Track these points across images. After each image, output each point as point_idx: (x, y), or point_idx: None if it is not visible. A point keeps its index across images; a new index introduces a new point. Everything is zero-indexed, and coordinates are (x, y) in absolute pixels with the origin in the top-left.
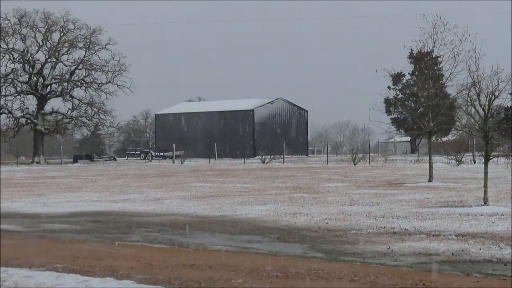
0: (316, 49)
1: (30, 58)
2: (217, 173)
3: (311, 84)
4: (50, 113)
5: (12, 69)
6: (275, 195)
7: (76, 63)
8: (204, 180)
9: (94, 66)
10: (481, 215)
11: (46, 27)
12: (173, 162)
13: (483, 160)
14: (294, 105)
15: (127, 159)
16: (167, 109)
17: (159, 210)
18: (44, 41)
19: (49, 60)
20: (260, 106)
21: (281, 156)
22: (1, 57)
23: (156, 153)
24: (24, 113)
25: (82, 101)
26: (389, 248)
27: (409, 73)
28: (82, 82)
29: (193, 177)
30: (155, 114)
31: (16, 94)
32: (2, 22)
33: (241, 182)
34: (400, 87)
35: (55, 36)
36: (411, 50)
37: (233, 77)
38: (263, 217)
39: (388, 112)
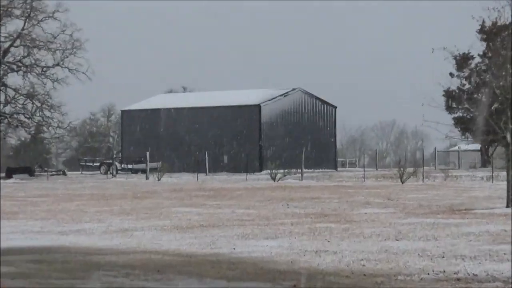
0: (348, 27)
1: None
2: (208, 194)
3: (341, 72)
4: None
5: None
6: (290, 226)
7: (11, 38)
8: (190, 203)
9: (37, 42)
10: None
11: None
12: (147, 177)
13: None
14: (318, 98)
15: (81, 173)
16: (139, 104)
17: (126, 245)
18: None
19: None
20: (270, 100)
21: (299, 171)
22: None
23: (122, 165)
24: None
25: (19, 91)
26: None
27: (479, 55)
28: (20, 64)
29: (175, 200)
30: (122, 111)
31: None
32: None
33: (242, 207)
34: (466, 74)
35: None
36: (483, 21)
37: (232, 62)
38: (274, 256)
39: (450, 109)
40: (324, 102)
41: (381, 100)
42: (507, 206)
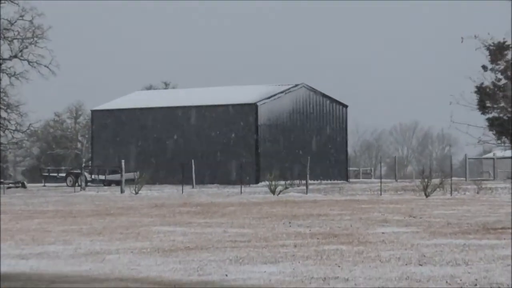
0: (360, 14)
1: None
2: (195, 210)
3: (353, 65)
4: None
5: None
6: (293, 248)
7: None
8: (173, 221)
9: None
10: None
11: None
12: (122, 191)
13: None
14: (325, 96)
15: (44, 185)
16: (112, 102)
17: (98, 271)
18: None
19: None
20: (268, 98)
21: (303, 182)
22: None
23: (93, 176)
24: None
25: None
26: None
27: None
28: None
29: (156, 217)
30: (92, 111)
31: None
32: None
33: (235, 226)
34: (502, 67)
35: None
36: None
37: (223, 54)
38: (273, 284)
39: (483, 108)
40: (333, 100)
41: (401, 98)
42: None
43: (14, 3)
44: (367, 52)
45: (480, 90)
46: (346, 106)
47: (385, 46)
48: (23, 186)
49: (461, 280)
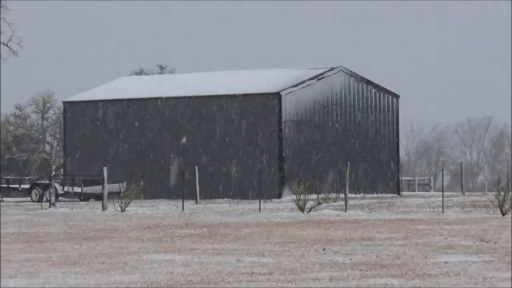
0: None
1: None
2: (200, 233)
3: (406, 43)
4: None
5: None
6: (328, 282)
7: None
8: (171, 248)
9: None
10: None
11: None
12: (104, 207)
13: None
14: (370, 83)
15: (2, 200)
16: (90, 92)
17: None
18: None
19: None
20: (295, 86)
21: (342, 196)
22: None
23: (66, 188)
24: None
25: None
26: None
27: None
28: None
29: (148, 242)
30: (64, 103)
31: None
32: None
33: (253, 253)
34: None
35: None
36: None
37: (237, 29)
38: None
39: None
40: (380, 88)
41: (469, 86)
42: None
43: None
44: (424, 28)
45: None
46: (397, 97)
47: (448, 21)
48: None
49: None
